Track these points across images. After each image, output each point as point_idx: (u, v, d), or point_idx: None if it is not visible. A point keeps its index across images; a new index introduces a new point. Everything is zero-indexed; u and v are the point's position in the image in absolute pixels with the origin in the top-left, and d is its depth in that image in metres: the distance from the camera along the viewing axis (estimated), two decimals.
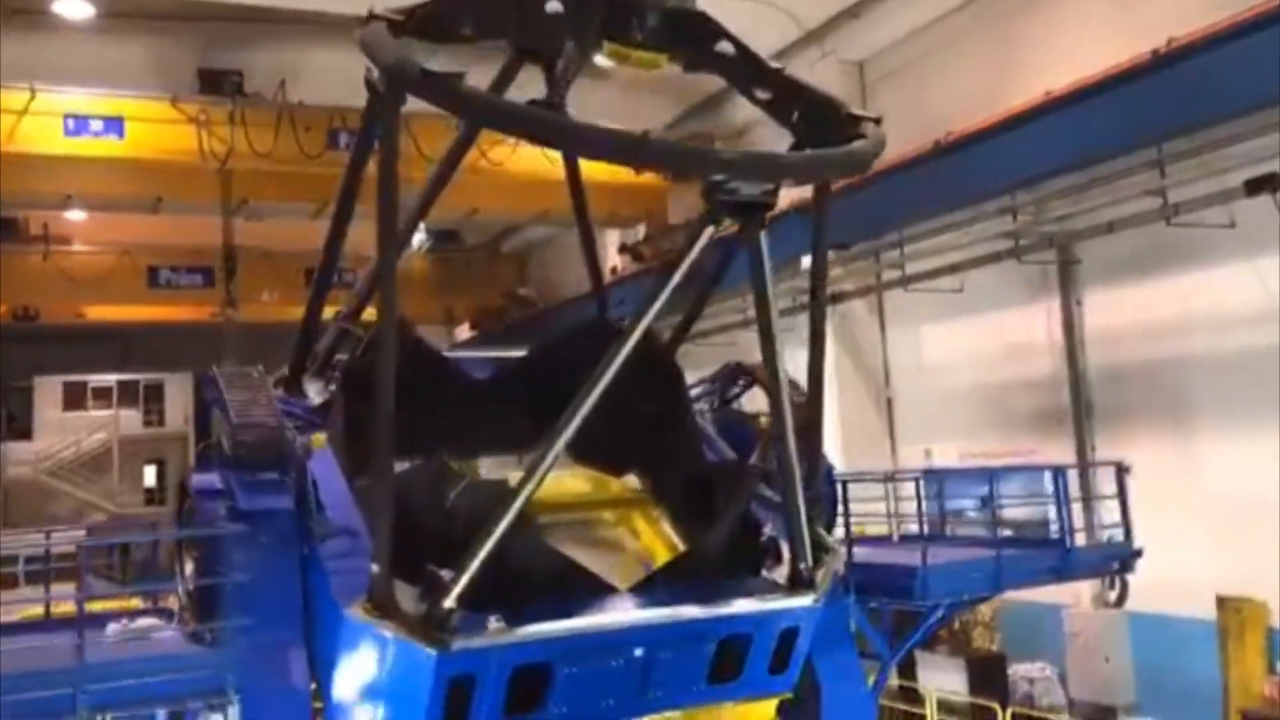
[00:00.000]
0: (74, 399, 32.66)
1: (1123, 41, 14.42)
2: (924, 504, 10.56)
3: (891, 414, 20.90)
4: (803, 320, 6.00)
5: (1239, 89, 12.67)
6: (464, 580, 4.74)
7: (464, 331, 32.43)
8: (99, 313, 29.44)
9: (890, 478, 10.85)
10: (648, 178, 23.18)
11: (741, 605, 5.51)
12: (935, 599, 9.24)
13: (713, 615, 5.43)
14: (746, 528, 6.08)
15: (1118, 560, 10.58)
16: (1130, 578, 10.71)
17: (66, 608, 7.54)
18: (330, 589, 5.50)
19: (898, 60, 20.35)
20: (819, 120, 5.48)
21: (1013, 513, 11.45)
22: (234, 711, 6.16)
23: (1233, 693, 14.09)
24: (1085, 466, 14.86)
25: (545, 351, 7.07)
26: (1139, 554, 10.44)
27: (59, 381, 32.55)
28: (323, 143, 19.88)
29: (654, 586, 5.59)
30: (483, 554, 4.73)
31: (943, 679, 16.23)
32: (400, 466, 6.67)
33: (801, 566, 5.58)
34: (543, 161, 15.49)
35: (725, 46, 5.64)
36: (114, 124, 19.63)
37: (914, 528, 10.83)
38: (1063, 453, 16.28)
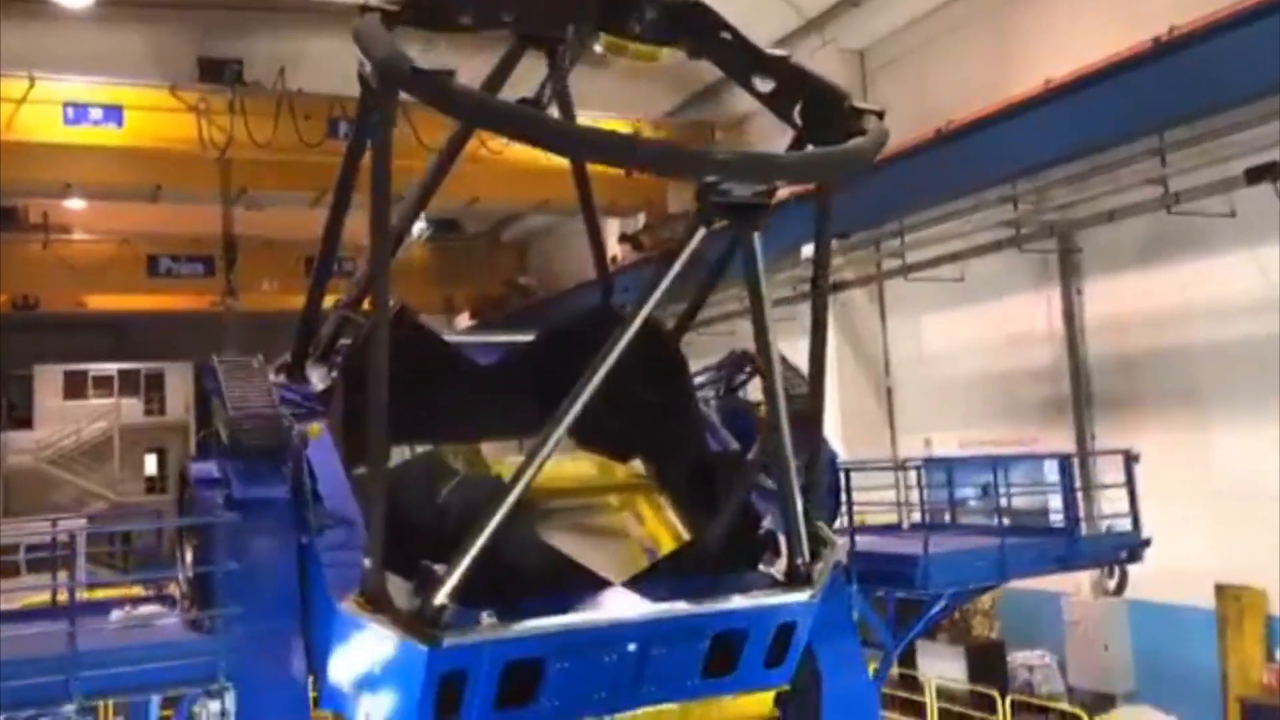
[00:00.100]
0: (75, 388, 32.66)
1: (1123, 30, 14.38)
2: (927, 493, 10.56)
3: (891, 403, 20.90)
4: (804, 309, 5.98)
5: (1240, 77, 12.66)
6: (456, 575, 4.73)
7: (464, 320, 32.42)
8: (99, 301, 29.38)
9: (901, 466, 10.80)
10: None
11: (736, 601, 5.47)
12: (938, 588, 9.23)
13: (706, 611, 5.40)
14: (746, 520, 6.06)
15: (1125, 549, 10.49)
16: (1129, 566, 10.71)
17: (63, 594, 7.57)
18: (325, 581, 5.51)
19: (898, 49, 20.30)
20: (821, 114, 5.41)
21: (1013, 501, 11.43)
22: (231, 699, 6.19)
23: (1231, 681, 14.12)
24: (1086, 455, 14.85)
25: (551, 337, 7.06)
26: (1147, 543, 10.37)
27: (60, 370, 32.55)
28: (323, 131, 19.82)
29: (649, 581, 5.55)
30: (475, 549, 4.72)
31: (942, 667, 16.27)
32: (403, 452, 6.71)
33: (798, 562, 5.54)
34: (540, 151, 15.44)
35: (725, 38, 5.60)
36: (113, 112, 19.56)
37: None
38: (1063, 441, 16.28)
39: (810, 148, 5.51)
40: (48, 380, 32.52)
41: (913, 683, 15.94)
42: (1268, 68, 11.99)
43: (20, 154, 18.80)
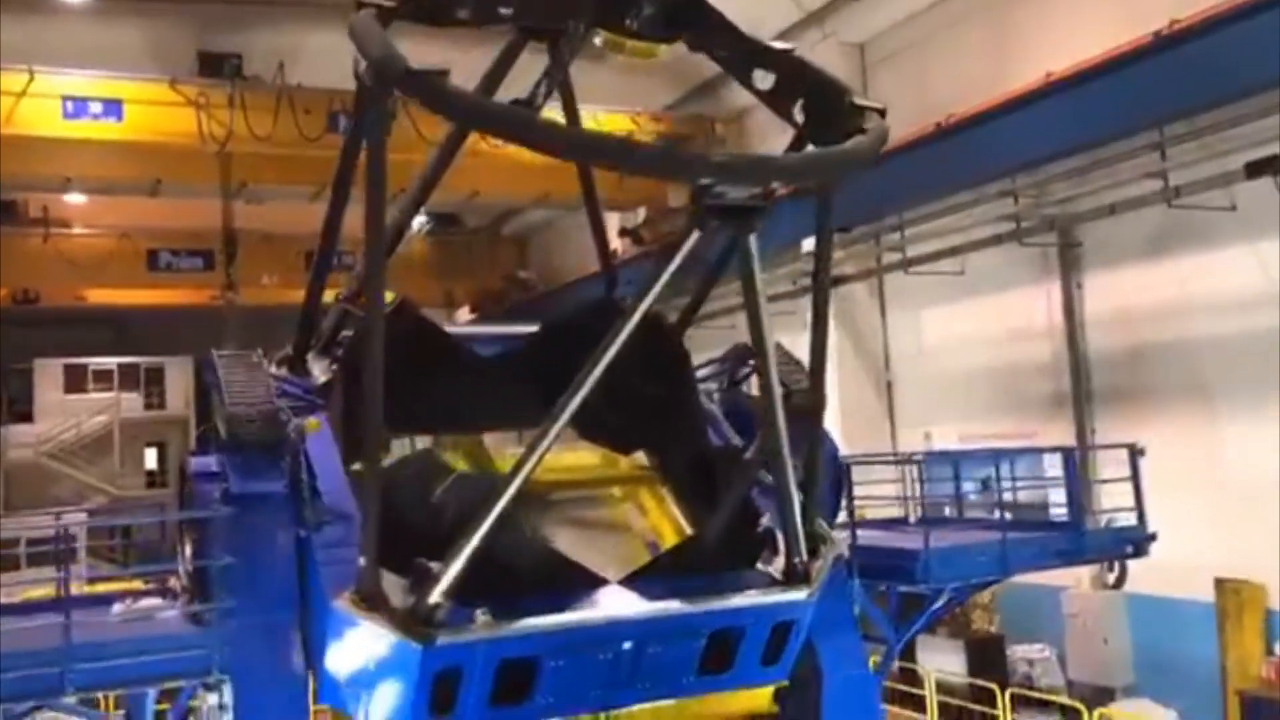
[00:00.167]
0: (75, 382, 32.61)
1: (1123, 24, 14.38)
2: (927, 487, 10.55)
3: (891, 397, 20.91)
4: (804, 304, 5.97)
5: (1240, 71, 12.65)
6: (451, 573, 4.71)
7: (464, 314, 32.41)
8: (99, 296, 29.40)
9: (907, 460, 10.79)
10: None
11: (731, 600, 5.44)
12: (939, 583, 9.22)
13: (701, 610, 5.37)
14: (745, 517, 6.04)
15: (1131, 544, 10.39)
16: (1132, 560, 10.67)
17: (74, 587, 7.59)
18: (321, 578, 5.50)
19: (898, 42, 20.28)
20: (822, 112, 5.35)
21: (1013, 495, 11.43)
22: (228, 692, 6.20)
23: (1230, 674, 14.15)
24: (1088, 449, 14.84)
25: (554, 330, 7.05)
26: (1153, 538, 10.32)
27: (60, 364, 32.51)
28: (322, 125, 19.80)
29: (646, 579, 5.53)
30: (471, 546, 4.71)
31: (942, 660, 16.29)
32: (404, 444, 6.70)
33: (796, 561, 5.50)
34: None
35: (724, 34, 5.54)
36: (113, 106, 19.54)
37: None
38: (1063, 436, 16.30)
39: (810, 147, 5.45)
40: (48, 374, 32.48)
41: (912, 676, 15.95)
42: (1268, 62, 11.99)
43: (20, 148, 18.78)
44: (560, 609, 5.12)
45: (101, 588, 8.62)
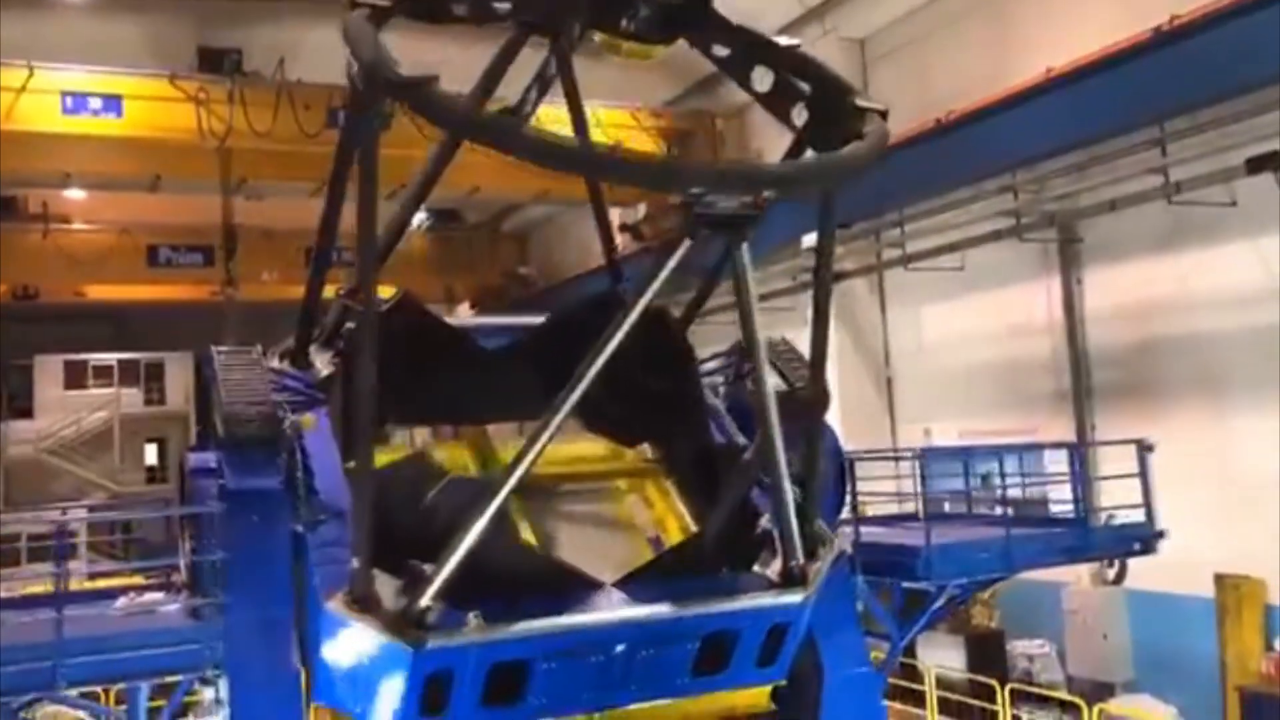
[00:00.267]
0: (75, 378, 32.62)
1: (1124, 19, 14.37)
2: (932, 483, 10.51)
3: (891, 393, 20.92)
4: (804, 300, 5.95)
5: (1240, 67, 12.65)
6: (443, 575, 4.70)
7: (464, 310, 32.41)
8: (99, 292, 29.40)
9: (917, 455, 10.76)
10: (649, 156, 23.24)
11: (726, 604, 5.40)
12: (941, 579, 9.22)
13: (695, 614, 5.34)
14: (745, 517, 6.03)
15: (1140, 541, 10.40)
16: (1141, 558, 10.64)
17: (76, 583, 7.63)
18: (314, 578, 5.50)
19: (898, 38, 20.28)
20: (824, 113, 5.25)
21: (1013, 492, 11.42)
22: (225, 686, 6.21)
23: (1230, 670, 14.16)
24: (1094, 445, 14.84)
25: (559, 322, 7.03)
26: (1161, 534, 10.32)
27: (60, 360, 32.51)
28: (322, 121, 19.72)
29: (642, 580, 5.51)
30: (463, 548, 4.71)
31: (942, 655, 16.31)
32: (405, 434, 6.68)
33: (792, 563, 5.43)
34: None
35: (724, 34, 5.49)
36: (112, 102, 19.52)
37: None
38: (1063, 431, 16.32)
39: (809, 151, 5.40)
40: (48, 370, 32.49)
41: (912, 672, 15.98)
42: (1268, 57, 11.99)
43: (19, 144, 18.77)
44: (553, 612, 5.10)
45: (103, 583, 8.65)
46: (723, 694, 6.07)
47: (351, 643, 5.18)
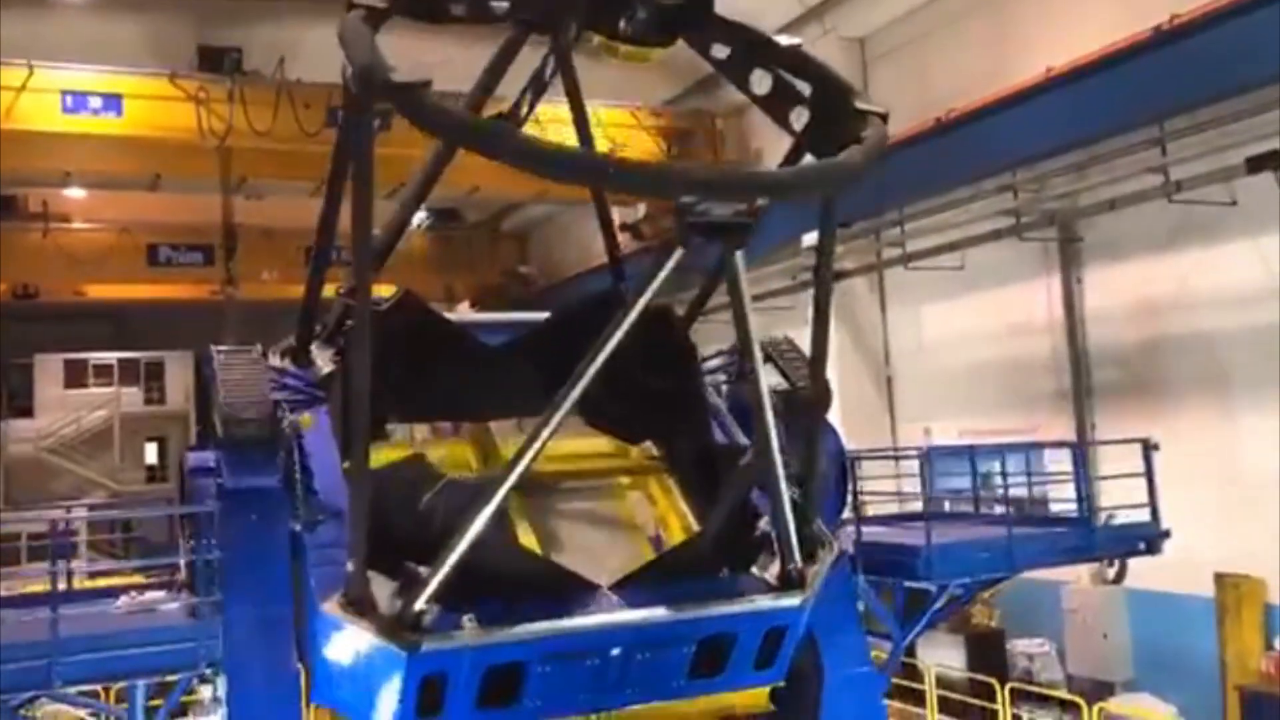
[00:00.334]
0: (75, 377, 32.60)
1: (1123, 19, 14.38)
2: (936, 481, 10.49)
3: (891, 392, 20.92)
4: (804, 299, 5.94)
5: (1240, 66, 12.66)
6: (438, 578, 4.69)
7: (464, 309, 32.41)
8: (99, 291, 29.38)
9: (922, 455, 10.76)
10: (648, 153, 23.22)
11: (722, 607, 5.40)
12: (942, 578, 9.20)
13: (690, 617, 5.34)
14: (744, 518, 6.01)
15: (1144, 541, 10.36)
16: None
17: (77, 582, 7.64)
18: (311, 580, 5.50)
19: (898, 37, 20.27)
20: (825, 115, 5.19)
21: (1012, 491, 11.40)
22: (222, 685, 6.21)
23: (1230, 669, 14.17)
24: (1098, 444, 14.82)
25: (563, 319, 7.02)
26: (1167, 534, 10.30)
27: (60, 359, 32.50)
28: (322, 120, 19.67)
29: (639, 583, 5.50)
30: (459, 550, 4.70)
31: (942, 655, 16.31)
32: (403, 428, 6.68)
33: (790, 567, 5.43)
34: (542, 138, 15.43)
35: (724, 36, 5.45)
36: (112, 101, 19.48)
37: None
38: (1063, 430, 16.32)
39: (809, 156, 5.36)
40: (48, 369, 32.47)
41: (912, 671, 15.98)
42: (1268, 57, 11.99)
43: (19, 143, 18.74)
44: (548, 615, 5.09)
45: (104, 582, 8.66)
46: (722, 694, 6.06)
47: (347, 645, 5.18)
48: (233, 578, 6.10)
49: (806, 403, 5.73)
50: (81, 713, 8.79)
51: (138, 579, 8.79)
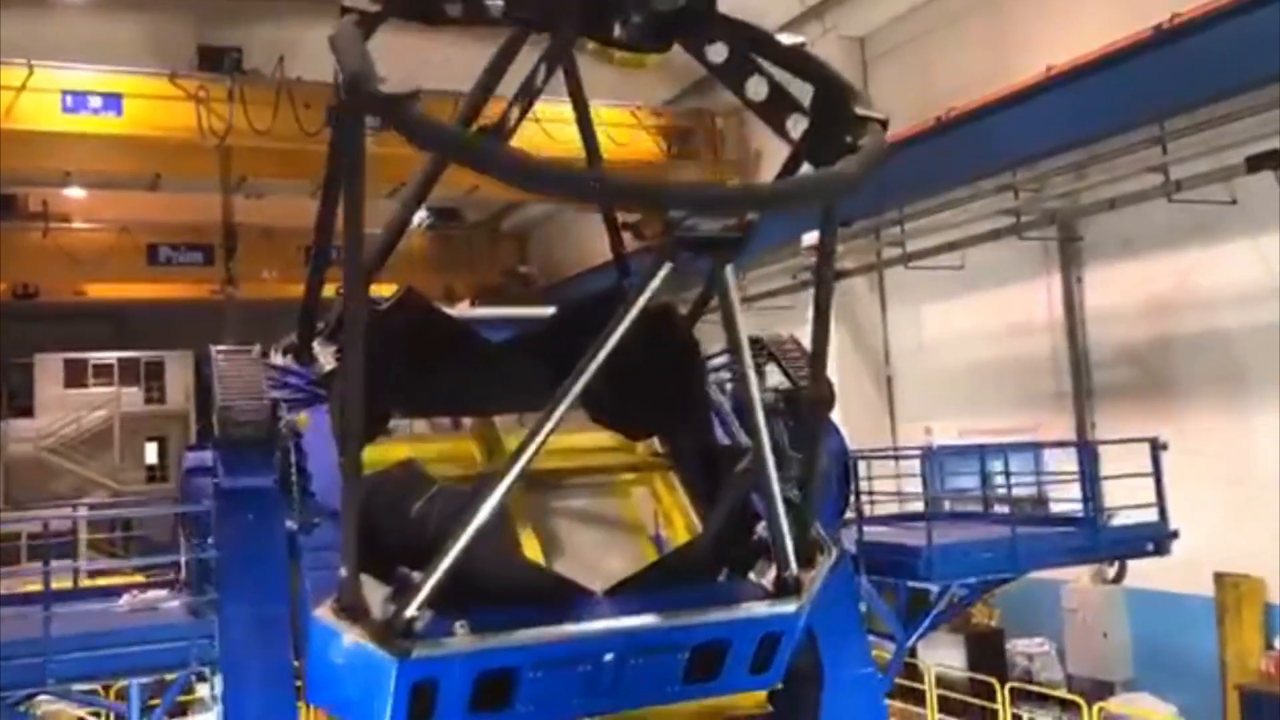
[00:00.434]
0: (75, 376, 32.61)
1: (1124, 18, 14.38)
2: (938, 482, 10.48)
3: (891, 392, 20.92)
4: (803, 299, 5.93)
5: (1240, 65, 12.66)
6: (430, 583, 4.67)
7: (464, 309, 32.38)
8: (99, 290, 29.38)
9: (929, 453, 10.77)
10: (648, 152, 23.25)
11: (716, 614, 5.34)
12: (943, 579, 9.18)
13: (684, 624, 5.27)
14: (744, 520, 6.00)
15: (1152, 541, 10.33)
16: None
17: (80, 580, 7.66)
18: (306, 582, 5.49)
19: (899, 36, 20.27)
20: (825, 118, 5.21)
21: (1013, 490, 11.40)
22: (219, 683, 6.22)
23: (1230, 668, 14.17)
24: (1103, 443, 14.79)
25: (568, 314, 7.01)
26: (1175, 534, 10.27)
27: (60, 359, 32.51)
28: (322, 120, 19.57)
29: (633, 588, 5.50)
30: (452, 554, 4.69)
31: (942, 654, 16.31)
32: (403, 424, 6.66)
33: (786, 573, 5.35)
34: (543, 138, 15.45)
35: (721, 40, 5.41)
36: (112, 101, 19.48)
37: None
38: (1064, 430, 16.32)
39: (806, 166, 5.32)
40: (48, 369, 32.48)
41: (912, 670, 15.98)
42: (1268, 56, 11.99)
43: (19, 142, 18.74)
44: (541, 621, 5.05)
45: (104, 581, 8.67)
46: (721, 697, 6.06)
47: (339, 650, 5.18)
48: (229, 577, 6.09)
49: (809, 402, 5.70)
50: (81, 711, 8.80)
51: (139, 578, 8.80)
